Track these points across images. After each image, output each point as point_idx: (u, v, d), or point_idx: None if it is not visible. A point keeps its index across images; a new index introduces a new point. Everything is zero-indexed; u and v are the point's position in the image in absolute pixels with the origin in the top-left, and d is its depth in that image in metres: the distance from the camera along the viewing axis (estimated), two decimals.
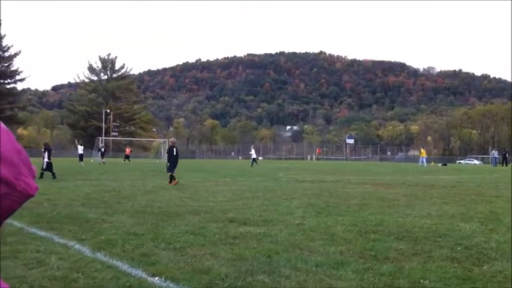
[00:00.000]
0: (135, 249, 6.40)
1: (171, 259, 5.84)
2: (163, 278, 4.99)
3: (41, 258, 5.78)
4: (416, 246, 6.84)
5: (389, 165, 64.09)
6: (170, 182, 18.70)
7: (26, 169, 0.59)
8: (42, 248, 6.28)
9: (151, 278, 5.01)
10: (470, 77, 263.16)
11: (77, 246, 6.54)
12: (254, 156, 45.04)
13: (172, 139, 22.38)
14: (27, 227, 8.01)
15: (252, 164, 43.12)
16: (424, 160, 52.38)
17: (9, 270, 5.18)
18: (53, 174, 21.95)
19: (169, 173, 18.96)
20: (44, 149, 23.43)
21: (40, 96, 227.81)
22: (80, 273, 5.10)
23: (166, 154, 20.41)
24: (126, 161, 54.25)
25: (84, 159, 44.80)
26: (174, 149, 19.54)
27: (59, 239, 7.01)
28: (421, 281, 5.04)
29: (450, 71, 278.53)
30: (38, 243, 6.67)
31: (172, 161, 19.14)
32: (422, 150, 55.49)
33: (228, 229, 8.12)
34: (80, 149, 44.73)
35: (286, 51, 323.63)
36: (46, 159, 22.62)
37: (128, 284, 4.78)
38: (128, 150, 59.69)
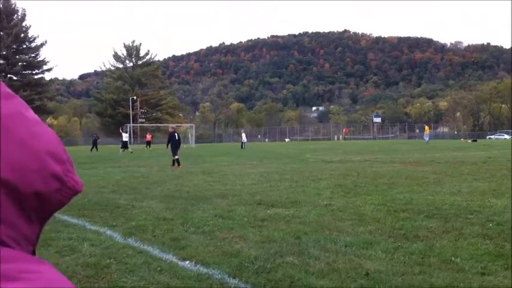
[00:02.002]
0: (165, 234, 6.48)
1: (200, 243, 5.90)
2: (193, 262, 5.04)
3: (73, 245, 5.89)
4: (447, 224, 6.76)
5: (417, 142, 63.31)
6: (173, 165, 20.04)
7: (71, 166, 0.60)
8: (74, 236, 6.40)
9: (182, 262, 5.06)
10: (498, 50, 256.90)
11: (108, 232, 6.65)
12: (244, 140, 47.72)
13: (173, 125, 24.30)
14: (58, 215, 8.15)
15: (242, 146, 45.56)
16: (426, 136, 54.08)
17: (43, 259, 5.29)
18: None
19: (175, 157, 20.15)
20: None
21: (68, 86, 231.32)
22: (112, 259, 5.19)
23: (169, 140, 21.60)
24: (148, 147, 54.36)
25: (116, 146, 45.28)
26: (176, 134, 21.08)
27: (91, 226, 7.13)
28: (452, 258, 4.99)
29: (478, 44, 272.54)
30: (70, 230, 6.80)
31: (174, 144, 20.50)
32: (426, 128, 57.26)
33: (256, 212, 8.15)
34: (125, 137, 45.01)
35: (310, 31, 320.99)
36: None
37: (159, 268, 4.84)
38: (148, 136, 59.97)
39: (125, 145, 42.79)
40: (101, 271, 4.83)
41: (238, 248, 5.61)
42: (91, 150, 44.96)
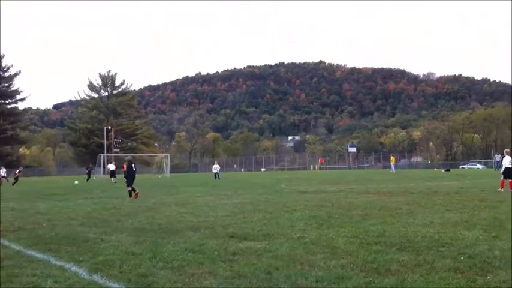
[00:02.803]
0: (132, 269, 6.29)
1: (168, 279, 5.74)
2: None
3: (36, 282, 5.68)
4: (419, 257, 6.72)
5: (392, 172, 63.81)
6: (130, 196, 19.94)
7: None
8: (38, 272, 6.18)
9: None
10: (470, 81, 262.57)
11: (74, 268, 6.44)
12: (216, 171, 45.23)
13: (128, 157, 24.08)
14: (24, 250, 7.92)
15: (216, 177, 43.35)
16: (393, 167, 56.91)
17: None
18: None
19: (129, 188, 20.22)
20: None
21: (42, 115, 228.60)
22: None
23: (124, 171, 21.56)
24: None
25: (94, 177, 44.83)
26: (133, 165, 21.20)
27: (56, 261, 6.91)
28: None
29: (450, 75, 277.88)
30: (34, 266, 6.58)
31: (130, 175, 20.51)
32: (392, 158, 59.91)
33: (228, 245, 8.02)
34: (112, 166, 44.97)
35: (286, 62, 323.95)
36: None
37: None
38: (124, 166, 59.32)
39: (113, 174, 42.58)
40: None
41: (207, 284, 5.47)
42: (87, 180, 44.32)
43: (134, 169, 21.14)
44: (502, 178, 19.82)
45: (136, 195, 19.94)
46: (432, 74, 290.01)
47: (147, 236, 9.13)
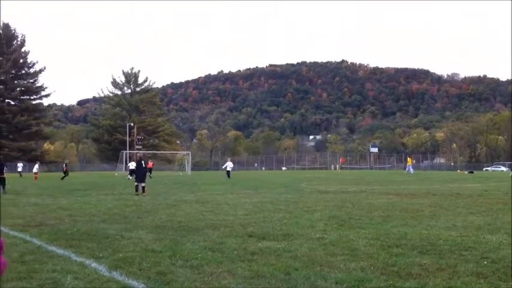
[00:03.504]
0: (152, 267, 6.31)
1: (187, 277, 5.74)
2: None
3: (56, 278, 5.72)
4: (441, 260, 6.62)
5: (414, 173, 63.21)
6: (136, 191, 20.67)
7: None
8: (58, 267, 6.23)
9: None
10: (495, 82, 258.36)
11: (94, 264, 6.48)
12: (229, 169, 42.84)
13: (139, 154, 25.26)
14: (45, 245, 8.00)
15: (229, 176, 41.04)
16: (411, 168, 56.33)
17: None
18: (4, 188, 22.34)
19: (137, 184, 20.94)
20: None
21: (66, 111, 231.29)
22: None
23: (134, 167, 22.50)
24: (148, 174, 53.58)
25: (110, 172, 44.95)
26: (142, 162, 21.93)
27: (76, 257, 6.96)
28: None
29: (475, 76, 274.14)
30: (55, 261, 6.63)
31: (140, 172, 21.29)
32: (408, 159, 59.81)
33: (247, 244, 7.99)
34: (132, 165, 44.66)
35: (308, 61, 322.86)
36: None
37: None
38: (150, 163, 59.56)
39: (132, 172, 42.48)
40: None
41: (226, 284, 5.45)
42: (62, 178, 43.44)
43: (144, 166, 21.74)
44: None
45: (144, 190, 20.53)
46: (456, 74, 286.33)
47: (167, 234, 9.15)
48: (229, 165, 43.55)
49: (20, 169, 44.04)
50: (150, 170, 54.78)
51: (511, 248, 7.36)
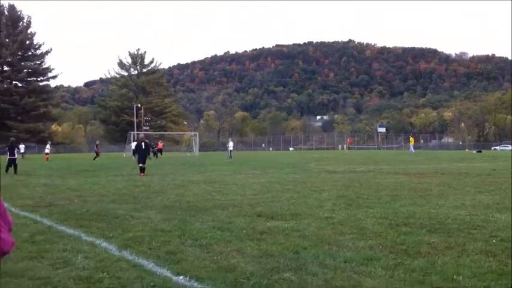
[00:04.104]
0: (161, 246, 6.35)
1: (196, 256, 5.77)
2: (187, 277, 4.91)
3: (67, 257, 5.77)
4: (450, 239, 6.62)
5: (422, 153, 63.06)
6: (142, 172, 20.91)
7: (2, 221, 0.55)
8: (69, 247, 6.28)
9: (176, 277, 4.94)
10: (503, 61, 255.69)
11: (104, 244, 6.53)
12: (231, 148, 44.82)
13: (141, 135, 25.42)
14: (56, 225, 8.07)
15: (231, 156, 43.05)
16: (412, 148, 58.15)
17: (36, 271, 5.18)
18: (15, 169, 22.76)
19: (140, 165, 21.23)
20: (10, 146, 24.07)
21: (73, 93, 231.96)
22: (104, 273, 5.06)
23: (135, 148, 22.96)
24: (159, 155, 53.96)
25: (118, 153, 45.44)
26: (143, 144, 21.99)
27: (87, 237, 7.01)
28: (454, 276, 4.84)
29: (483, 55, 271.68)
30: (65, 241, 6.69)
31: (141, 154, 21.56)
32: (411, 139, 61.77)
33: (256, 224, 8.02)
34: (133, 145, 45.53)
35: (315, 41, 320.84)
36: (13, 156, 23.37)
37: (152, 283, 4.72)
38: (160, 144, 59.56)
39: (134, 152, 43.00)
40: (93, 286, 4.71)
41: (235, 262, 5.48)
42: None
43: (144, 147, 21.89)
44: None
45: (142, 171, 21.05)
46: (465, 53, 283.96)
47: (176, 214, 9.20)
48: (231, 145, 45.58)
49: (22, 150, 44.43)
50: (160, 150, 55.03)
51: None
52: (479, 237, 6.68)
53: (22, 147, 42.52)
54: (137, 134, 27.08)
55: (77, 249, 6.17)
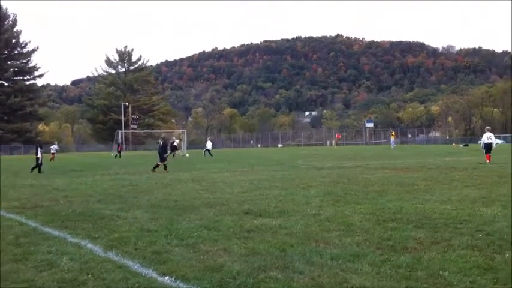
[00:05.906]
0: (147, 246, 6.30)
1: (183, 256, 5.73)
2: (173, 278, 4.87)
3: (52, 259, 5.70)
4: (436, 234, 6.64)
5: (410, 147, 63.38)
6: (165, 169, 22.21)
7: None
8: (54, 249, 6.21)
9: (162, 278, 4.89)
10: (490, 54, 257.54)
11: (89, 245, 6.46)
12: (209, 148, 44.53)
13: (163, 135, 27.97)
14: (41, 227, 7.99)
15: (204, 153, 43.38)
16: (392, 142, 59.71)
17: (19, 274, 5.12)
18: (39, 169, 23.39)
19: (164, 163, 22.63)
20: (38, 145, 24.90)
21: (60, 92, 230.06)
22: (89, 275, 5.01)
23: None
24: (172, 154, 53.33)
25: (106, 152, 45.53)
26: (161, 143, 23.69)
27: (72, 238, 6.94)
28: (441, 272, 4.85)
29: (470, 48, 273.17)
30: (50, 243, 6.61)
31: (161, 152, 23.07)
32: (392, 133, 63.99)
33: (243, 222, 8.00)
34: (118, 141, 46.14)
35: (303, 36, 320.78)
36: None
37: (137, 284, 4.67)
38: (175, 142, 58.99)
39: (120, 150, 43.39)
40: None
41: (222, 261, 5.45)
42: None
43: (162, 147, 23.50)
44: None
45: (164, 168, 22.42)
46: (452, 46, 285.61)
47: (163, 213, 9.14)
48: (209, 144, 45.47)
49: (53, 151, 44.21)
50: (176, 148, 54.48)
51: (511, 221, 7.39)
52: (465, 232, 6.71)
53: (54, 147, 42.13)
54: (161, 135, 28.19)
55: (61, 251, 6.09)
